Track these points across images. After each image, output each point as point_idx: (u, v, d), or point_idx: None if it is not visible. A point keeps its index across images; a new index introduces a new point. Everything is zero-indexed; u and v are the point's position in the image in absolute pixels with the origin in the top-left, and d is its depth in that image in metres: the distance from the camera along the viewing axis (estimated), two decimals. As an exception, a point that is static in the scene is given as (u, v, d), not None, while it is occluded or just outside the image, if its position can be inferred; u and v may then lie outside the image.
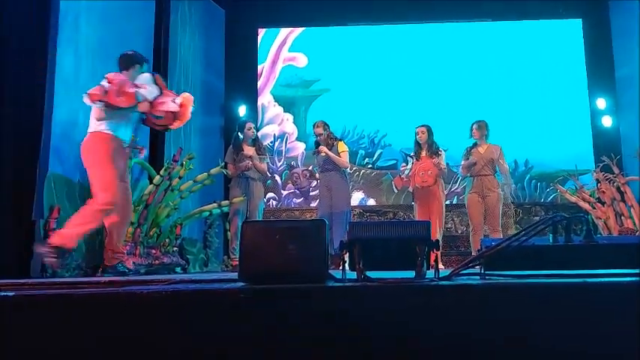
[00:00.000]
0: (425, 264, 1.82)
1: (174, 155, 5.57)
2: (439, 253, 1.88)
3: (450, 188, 7.39)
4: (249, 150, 5.67)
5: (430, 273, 1.86)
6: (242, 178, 5.62)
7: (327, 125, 5.70)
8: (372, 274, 1.79)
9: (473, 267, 1.90)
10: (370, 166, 7.97)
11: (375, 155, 7.99)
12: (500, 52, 7.90)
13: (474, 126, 5.56)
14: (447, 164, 5.72)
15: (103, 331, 1.63)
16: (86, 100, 3.78)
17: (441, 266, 4.70)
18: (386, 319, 1.59)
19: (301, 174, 5.71)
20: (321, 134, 5.61)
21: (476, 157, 5.45)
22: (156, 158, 5.88)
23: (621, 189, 5.86)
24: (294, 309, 1.62)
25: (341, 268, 1.89)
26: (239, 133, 5.74)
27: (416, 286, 1.65)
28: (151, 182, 5.32)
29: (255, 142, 5.78)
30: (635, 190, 5.86)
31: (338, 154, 5.56)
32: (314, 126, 5.72)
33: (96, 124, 3.89)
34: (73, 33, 4.71)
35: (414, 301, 1.59)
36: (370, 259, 1.83)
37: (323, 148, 5.57)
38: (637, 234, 5.37)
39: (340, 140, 5.69)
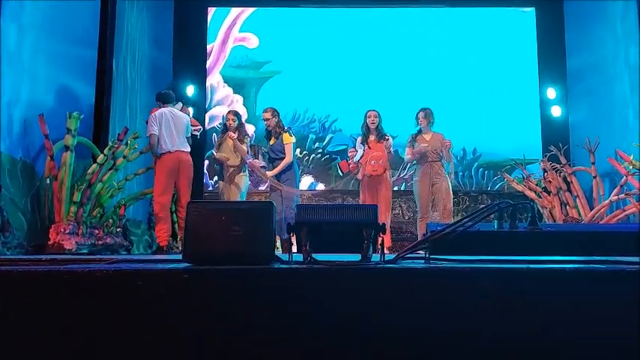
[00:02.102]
0: (371, 247, 1.83)
1: (119, 134, 5.41)
2: (385, 236, 1.89)
3: (399, 174, 7.49)
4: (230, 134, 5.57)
5: (376, 256, 1.87)
6: (226, 165, 5.54)
7: (277, 113, 5.62)
8: (319, 256, 1.79)
9: (418, 251, 1.92)
10: (320, 150, 7.97)
11: (326, 140, 7.99)
12: (453, 39, 7.97)
13: (421, 114, 5.60)
14: (396, 150, 5.77)
15: (44, 309, 1.59)
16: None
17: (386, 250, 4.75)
18: (331, 300, 1.59)
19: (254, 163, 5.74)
20: (268, 119, 5.56)
21: (422, 144, 5.52)
22: (100, 137, 5.68)
23: (568, 179, 6.02)
24: (239, 290, 1.60)
25: (287, 250, 1.88)
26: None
27: (361, 269, 1.65)
28: (94, 161, 5.17)
29: (238, 128, 5.64)
30: (581, 181, 6.07)
31: (283, 144, 5.51)
32: (263, 112, 5.68)
33: (187, 146, 5.25)
34: (17, 7, 4.50)
35: (359, 283, 1.60)
36: (317, 242, 1.82)
37: (269, 175, 5.51)
38: (581, 223, 5.58)
39: (287, 132, 5.59)
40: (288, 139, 5.53)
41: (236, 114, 5.68)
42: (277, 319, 1.58)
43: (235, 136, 5.49)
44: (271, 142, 5.59)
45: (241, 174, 5.54)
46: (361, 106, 6.24)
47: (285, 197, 5.43)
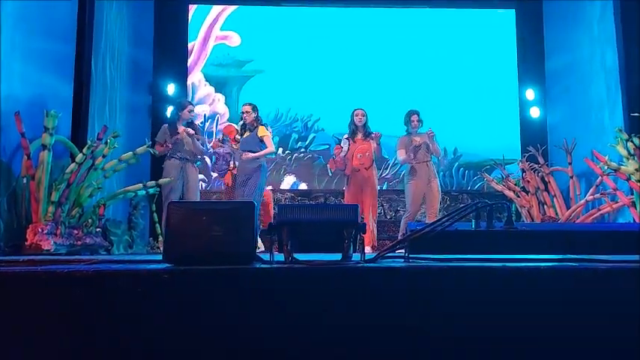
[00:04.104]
0: (352, 246, 1.85)
1: (98, 133, 5.35)
2: (368, 235, 1.91)
3: (381, 174, 7.51)
4: (187, 129, 5.55)
5: (357, 255, 1.88)
6: (177, 160, 5.47)
7: (257, 109, 5.65)
8: (300, 256, 1.80)
9: (398, 250, 1.95)
10: (303, 150, 7.97)
11: (308, 139, 7.98)
12: (434, 40, 8.00)
13: (415, 117, 5.61)
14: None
15: (22, 310, 1.57)
16: None
17: (368, 249, 4.78)
18: (312, 300, 1.60)
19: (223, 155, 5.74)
20: (248, 112, 5.56)
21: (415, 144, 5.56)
22: (78, 136, 5.60)
23: (545, 179, 6.15)
24: (220, 290, 1.60)
25: (269, 250, 1.89)
26: (178, 112, 5.59)
27: (342, 268, 1.67)
28: (73, 161, 5.10)
29: (191, 124, 5.64)
30: (558, 181, 6.18)
31: (258, 137, 5.50)
32: (242, 105, 5.71)
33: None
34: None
35: (340, 282, 1.61)
36: (298, 242, 1.84)
37: (248, 155, 5.47)
38: (558, 222, 5.69)
39: (262, 125, 5.63)
40: (264, 132, 5.55)
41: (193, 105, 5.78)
42: (259, 319, 1.58)
43: (192, 132, 5.50)
44: (244, 135, 5.59)
45: (195, 167, 5.66)
46: (344, 106, 6.26)
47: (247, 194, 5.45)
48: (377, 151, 5.62)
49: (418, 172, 5.54)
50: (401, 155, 5.63)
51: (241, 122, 5.71)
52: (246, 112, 5.59)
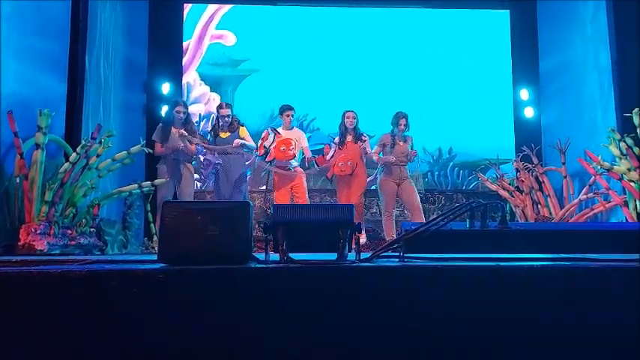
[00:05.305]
0: (347, 246, 1.85)
1: (92, 132, 5.32)
2: (361, 235, 1.92)
3: (375, 175, 7.51)
4: (180, 130, 5.51)
5: (352, 255, 1.89)
6: (170, 160, 5.46)
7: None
8: (295, 255, 1.80)
9: (393, 250, 1.95)
10: (298, 149, 7.96)
11: (304, 139, 7.98)
12: (429, 40, 8.02)
13: (403, 120, 5.64)
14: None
15: (15, 311, 1.56)
16: None
17: (363, 241, 4.73)
18: (308, 299, 1.60)
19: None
20: (229, 115, 5.55)
21: (397, 149, 5.60)
22: (72, 135, 5.58)
23: (539, 178, 6.19)
24: (215, 290, 1.60)
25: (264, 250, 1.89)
26: (172, 112, 5.59)
27: (337, 268, 1.67)
28: (67, 160, 5.08)
29: (186, 123, 5.61)
30: (552, 180, 6.21)
31: (239, 137, 5.55)
32: (221, 107, 5.68)
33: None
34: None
35: (335, 282, 1.61)
36: (294, 241, 1.84)
37: (238, 141, 5.50)
38: (552, 222, 5.72)
39: (243, 125, 5.69)
40: (246, 132, 5.65)
41: (185, 104, 5.72)
42: (254, 319, 1.59)
43: (185, 133, 5.46)
44: (224, 136, 5.60)
45: (190, 166, 5.62)
46: (339, 106, 6.26)
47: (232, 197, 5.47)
48: (368, 154, 5.65)
49: (389, 174, 5.60)
50: (376, 154, 5.68)
51: (214, 123, 5.75)
52: (228, 115, 5.59)
